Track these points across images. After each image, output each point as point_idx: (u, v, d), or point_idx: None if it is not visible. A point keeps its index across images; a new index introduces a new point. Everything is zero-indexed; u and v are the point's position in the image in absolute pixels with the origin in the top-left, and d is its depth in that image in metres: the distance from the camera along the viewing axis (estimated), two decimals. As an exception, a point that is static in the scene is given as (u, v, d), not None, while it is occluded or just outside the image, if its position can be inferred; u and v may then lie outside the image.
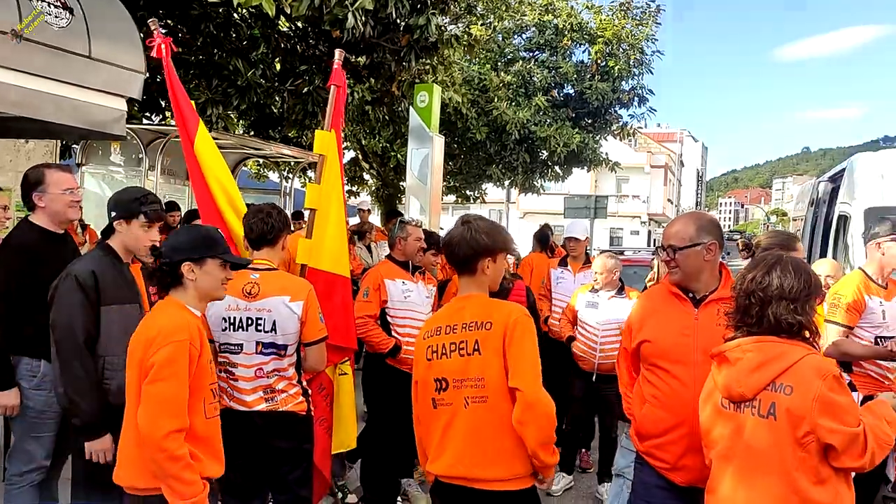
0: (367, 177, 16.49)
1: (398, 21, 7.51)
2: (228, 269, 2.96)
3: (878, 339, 4.14)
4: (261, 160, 14.07)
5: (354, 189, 17.11)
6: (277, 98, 9.08)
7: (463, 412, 2.79)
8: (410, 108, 8.53)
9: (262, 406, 3.45)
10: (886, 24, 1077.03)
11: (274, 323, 3.44)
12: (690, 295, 3.17)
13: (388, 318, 4.91)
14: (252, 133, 10.15)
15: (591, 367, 5.54)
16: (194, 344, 2.69)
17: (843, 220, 6.47)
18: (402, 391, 4.27)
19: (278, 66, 8.93)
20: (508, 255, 3.28)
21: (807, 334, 2.55)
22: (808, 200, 9.30)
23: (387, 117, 11.19)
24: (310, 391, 3.66)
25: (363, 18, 6.59)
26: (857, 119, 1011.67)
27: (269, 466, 3.52)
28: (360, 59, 8.53)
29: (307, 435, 3.62)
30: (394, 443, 4.78)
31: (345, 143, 15.43)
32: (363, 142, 14.43)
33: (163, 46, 3.94)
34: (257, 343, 3.45)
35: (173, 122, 4.80)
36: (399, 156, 13.79)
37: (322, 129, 4.24)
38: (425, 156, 8.20)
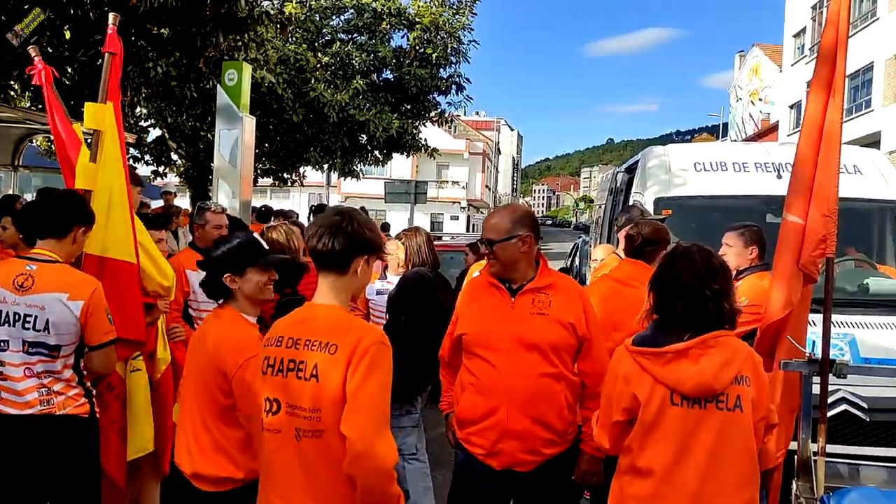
0: (175, 157, 15.59)
1: (205, -7, 7.17)
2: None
3: None
4: (51, 136, 12.88)
5: (161, 170, 16.14)
6: (69, 69, 8.32)
7: (294, 445, 2.33)
8: (218, 86, 8.14)
9: (38, 409, 3.12)
10: (676, 28, 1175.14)
11: (47, 322, 3.10)
12: (507, 285, 3.27)
13: (191, 312, 4.63)
14: (39, 106, 9.25)
15: None
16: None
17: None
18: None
19: (68, 35, 8.18)
20: None
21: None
22: (607, 189, 9.92)
23: (195, 94, 10.60)
24: (94, 391, 3.35)
25: (43, 15, 6.11)
26: (653, 113, 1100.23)
27: (46, 476, 3.18)
28: (163, 30, 8.03)
29: (90, 440, 3.30)
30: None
31: (149, 121, 14.51)
32: (169, 120, 13.62)
33: (43, 74, 3.77)
34: (24, 342, 3.11)
35: None
36: (210, 135, 13.14)
37: (98, 101, 3.84)
38: (235, 137, 7.86)
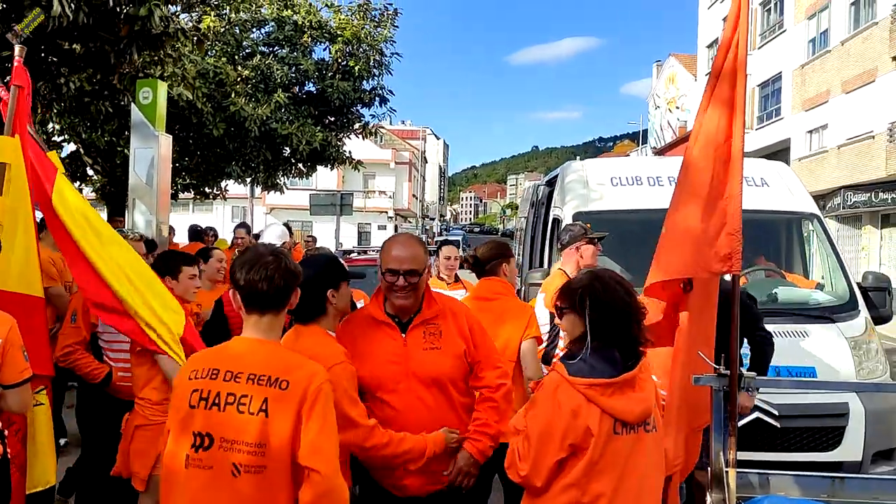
0: (91, 172, 15.08)
1: (117, 9, 6.96)
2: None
3: None
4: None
5: (77, 186, 15.57)
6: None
7: (228, 480, 2.30)
8: (132, 105, 7.93)
9: None
10: (595, 37, 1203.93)
11: None
12: (396, 319, 3.16)
13: (101, 343, 4.46)
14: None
15: None
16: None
17: (557, 222, 7.07)
18: (119, 420, 4.00)
19: (-32, 52, 7.83)
20: None
21: None
22: (529, 202, 10.09)
23: (110, 110, 10.28)
24: (5, 432, 3.23)
25: (73, 5, 6.00)
26: (577, 120, 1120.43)
27: None
28: (75, 45, 7.78)
29: (2, 481, 3.14)
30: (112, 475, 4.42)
31: (63, 136, 14.00)
32: (83, 135, 13.18)
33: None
34: None
35: None
36: (126, 151, 12.78)
37: (5, 134, 3.77)
38: (151, 156, 7.67)
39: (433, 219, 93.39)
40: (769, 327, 5.25)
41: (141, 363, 3.93)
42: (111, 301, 3.74)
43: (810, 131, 26.30)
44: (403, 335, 3.14)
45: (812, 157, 25.96)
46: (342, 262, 3.27)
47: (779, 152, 26.85)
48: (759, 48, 29.52)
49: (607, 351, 2.64)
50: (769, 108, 29.65)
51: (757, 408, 4.87)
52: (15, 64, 3.83)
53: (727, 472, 3.29)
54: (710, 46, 35.81)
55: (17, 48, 3.88)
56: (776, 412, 4.89)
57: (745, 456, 3.61)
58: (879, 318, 5.86)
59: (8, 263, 3.57)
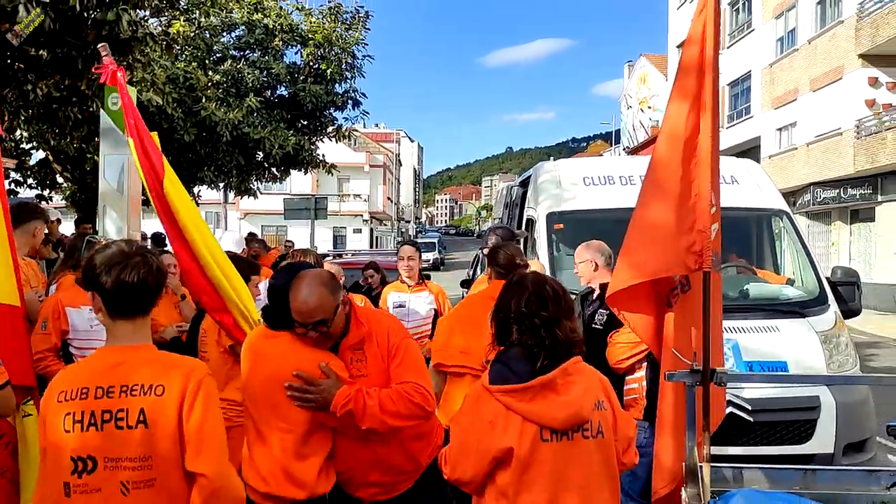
0: (60, 180, 14.89)
1: (84, 14, 6.87)
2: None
3: None
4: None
5: (46, 194, 15.37)
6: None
7: (118, 500, 2.18)
8: (101, 111, 7.84)
9: None
10: (567, 38, 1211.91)
11: None
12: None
13: (72, 350, 4.40)
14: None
15: None
16: None
17: (531, 222, 7.11)
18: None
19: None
20: None
21: None
22: (503, 203, 10.13)
23: (79, 116, 10.15)
24: None
25: (43, 15, 5.91)
26: (550, 121, 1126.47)
27: None
28: (42, 52, 7.68)
29: None
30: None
31: (31, 144, 13.80)
32: (52, 142, 13.01)
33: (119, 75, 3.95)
34: None
35: None
36: (96, 157, 12.63)
37: None
38: (122, 162, 7.57)
39: (408, 221, 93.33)
40: (741, 323, 5.33)
41: (225, 361, 3.88)
42: (212, 294, 3.79)
43: (780, 129, 26.68)
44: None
45: (782, 154, 26.33)
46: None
47: (749, 150, 27.20)
48: (728, 47, 29.88)
49: (523, 354, 2.54)
50: (739, 106, 30.03)
51: (730, 402, 4.92)
52: None
53: (701, 466, 3.33)
54: (680, 46, 36.15)
55: None
56: (749, 406, 4.95)
57: (718, 450, 3.65)
58: (849, 312, 5.97)
59: None
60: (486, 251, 4.71)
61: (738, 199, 6.47)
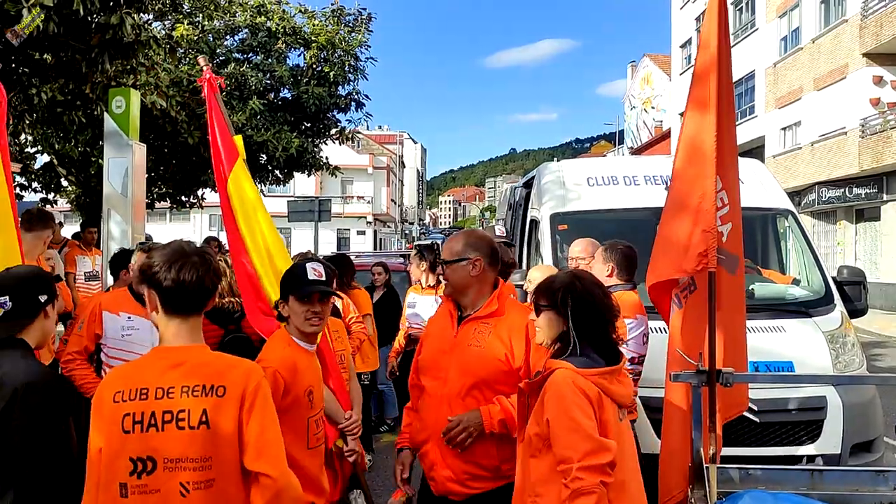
0: (65, 183, 14.93)
1: (88, 18, 6.89)
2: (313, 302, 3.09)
3: None
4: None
5: (51, 197, 15.43)
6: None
7: (178, 501, 2.20)
8: (105, 114, 7.87)
9: None
10: (570, 39, 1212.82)
11: None
12: (460, 312, 3.29)
13: (102, 358, 4.35)
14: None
15: None
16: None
17: (535, 223, 7.10)
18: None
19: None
20: None
21: None
22: (507, 204, 10.12)
23: (83, 120, 10.18)
24: None
25: (43, 15, 5.94)
26: (553, 122, 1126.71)
27: None
28: (46, 56, 7.70)
29: None
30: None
31: (36, 147, 13.84)
32: (57, 146, 13.04)
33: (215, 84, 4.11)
34: None
35: None
36: (101, 161, 12.65)
37: None
38: (125, 165, 7.62)
39: (412, 223, 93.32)
40: (747, 323, 5.31)
41: None
42: (259, 298, 3.82)
43: (784, 128, 26.64)
44: (457, 328, 3.27)
45: (786, 153, 26.28)
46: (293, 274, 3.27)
47: (753, 150, 27.16)
48: (732, 47, 29.78)
49: (594, 346, 2.69)
50: (743, 106, 29.99)
51: (736, 403, 4.90)
52: None
53: (708, 467, 3.32)
54: (683, 46, 36.18)
55: None
56: (755, 407, 4.92)
57: (725, 451, 3.63)
58: (855, 312, 5.94)
59: None
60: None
61: (743, 198, 6.40)
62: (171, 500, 2.19)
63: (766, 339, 5.22)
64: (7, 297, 2.61)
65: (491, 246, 3.30)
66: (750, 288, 6.05)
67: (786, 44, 26.55)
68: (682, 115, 3.83)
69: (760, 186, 6.68)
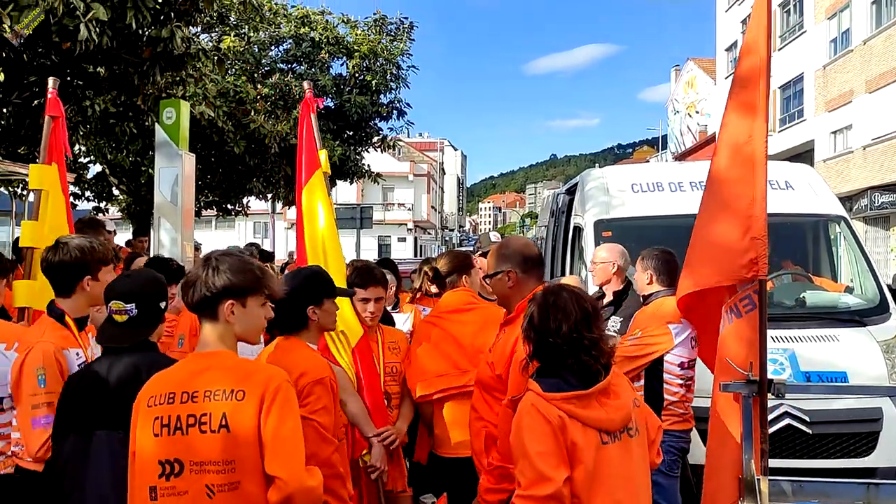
0: (116, 192, 15.34)
1: (140, 32, 7.07)
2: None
3: None
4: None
5: (103, 206, 15.86)
6: (4, 111, 8.19)
7: (205, 503, 2.26)
8: (156, 125, 8.07)
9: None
10: (612, 44, 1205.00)
11: None
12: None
13: None
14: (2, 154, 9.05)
15: None
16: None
17: (578, 230, 7.05)
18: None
19: (2, 77, 8.02)
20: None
21: None
22: (549, 211, 10.07)
23: (134, 131, 10.46)
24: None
25: (98, 29, 6.12)
26: (594, 128, 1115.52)
27: None
28: (99, 69, 7.93)
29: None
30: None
31: (89, 157, 14.24)
32: (109, 156, 13.40)
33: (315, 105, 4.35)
34: None
35: None
36: (150, 170, 12.97)
37: (38, 162, 3.93)
38: (175, 174, 7.79)
39: (452, 230, 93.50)
40: (798, 332, 5.20)
41: None
42: None
43: (834, 132, 26.04)
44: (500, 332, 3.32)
45: (837, 158, 25.69)
46: (326, 277, 3.25)
47: (802, 154, 26.60)
48: (779, 50, 29.30)
49: (567, 368, 2.58)
50: (791, 109, 29.39)
51: (788, 414, 4.81)
52: (49, 95, 3.98)
53: (759, 479, 3.26)
54: (728, 49, 35.61)
55: (50, 80, 4.04)
56: (807, 418, 4.83)
57: (776, 463, 3.57)
58: (912, 321, 5.77)
59: (46, 286, 3.70)
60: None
61: (793, 204, 6.32)
62: (198, 501, 2.25)
63: (819, 349, 5.11)
64: (133, 304, 2.73)
65: (522, 254, 3.30)
66: (801, 296, 5.94)
67: (835, 45, 25.97)
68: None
69: (811, 192, 6.55)
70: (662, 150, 53.15)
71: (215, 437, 2.25)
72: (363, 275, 3.94)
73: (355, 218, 19.18)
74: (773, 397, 3.39)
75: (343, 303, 3.71)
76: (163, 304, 2.82)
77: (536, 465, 2.43)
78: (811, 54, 27.29)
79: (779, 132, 28.93)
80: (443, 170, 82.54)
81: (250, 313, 2.46)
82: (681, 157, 41.54)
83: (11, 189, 12.25)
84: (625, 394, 2.61)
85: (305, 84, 4.64)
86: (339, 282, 3.71)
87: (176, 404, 2.29)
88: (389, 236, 54.55)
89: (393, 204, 55.71)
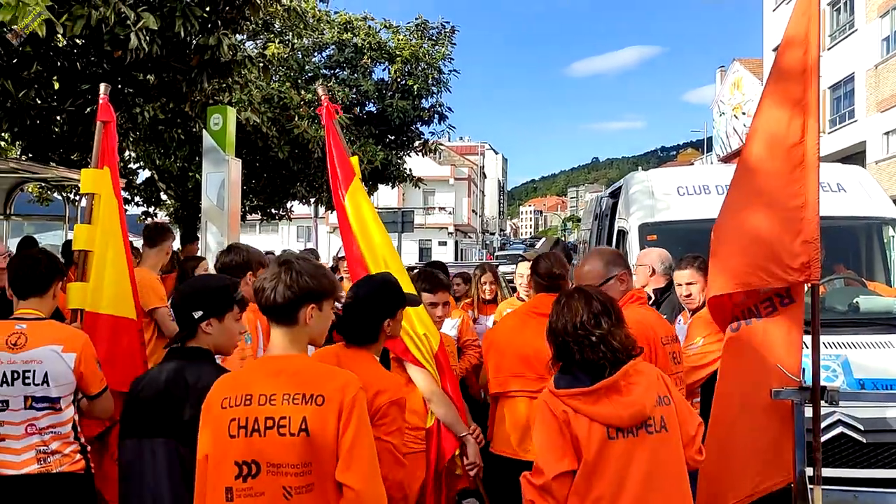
0: (164, 197, 15.67)
1: (188, 40, 7.21)
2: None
3: None
4: (43, 183, 12.94)
5: (152, 210, 16.23)
6: (59, 118, 8.41)
7: None
8: (204, 131, 8.22)
9: (33, 468, 3.17)
10: (656, 46, 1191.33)
11: (45, 375, 3.18)
12: None
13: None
14: (30, 156, 9.30)
15: None
16: None
17: (622, 234, 6.98)
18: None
19: (56, 85, 8.25)
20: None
21: None
22: (592, 214, 10.00)
23: (182, 137, 10.68)
24: (88, 448, 3.38)
25: (147, 38, 6.26)
26: (638, 130, 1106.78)
27: None
28: (149, 76, 8.11)
29: (87, 497, 3.33)
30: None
31: (138, 163, 14.58)
32: (157, 162, 13.70)
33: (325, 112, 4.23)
34: (26, 397, 3.18)
35: None
36: (198, 176, 13.22)
37: (90, 166, 4.02)
38: (222, 179, 7.93)
39: (493, 234, 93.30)
40: (852, 338, 5.06)
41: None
42: None
43: (887, 133, 25.37)
44: None
45: (890, 159, 25.02)
46: (398, 286, 3.16)
47: (853, 156, 25.94)
48: (828, 49, 28.65)
49: (579, 366, 2.67)
50: (842, 110, 28.70)
51: (841, 422, 4.68)
52: (101, 101, 4.08)
53: (812, 489, 3.19)
54: (776, 49, 34.94)
55: (102, 86, 4.14)
56: (861, 427, 4.69)
57: (829, 472, 3.48)
58: (970, 327, 5.58)
59: (100, 288, 3.82)
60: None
61: (846, 207, 6.17)
62: (275, 503, 2.26)
63: (873, 356, 4.97)
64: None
65: (622, 255, 3.50)
66: (854, 301, 5.78)
67: (888, 44, 25.29)
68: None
69: (863, 194, 6.38)
70: (707, 152, 52.33)
71: (294, 441, 2.26)
72: (431, 280, 4.01)
73: (396, 222, 19.36)
74: (826, 405, 3.32)
75: (419, 307, 3.72)
76: (197, 315, 2.78)
77: (540, 455, 2.60)
78: (862, 53, 26.63)
79: (828, 133, 28.27)
80: (483, 173, 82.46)
81: (325, 317, 2.52)
82: (726, 159, 40.88)
83: (65, 195, 12.60)
84: (640, 391, 2.61)
85: (320, 90, 4.47)
86: (405, 287, 3.68)
87: (254, 406, 2.31)
88: (430, 240, 54.68)
89: (434, 208, 55.83)
